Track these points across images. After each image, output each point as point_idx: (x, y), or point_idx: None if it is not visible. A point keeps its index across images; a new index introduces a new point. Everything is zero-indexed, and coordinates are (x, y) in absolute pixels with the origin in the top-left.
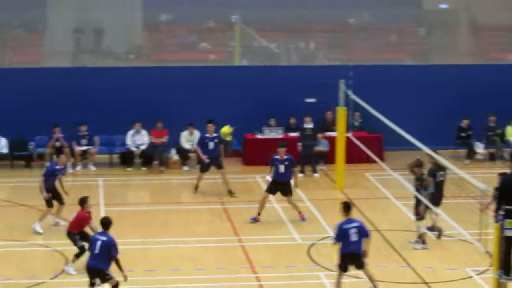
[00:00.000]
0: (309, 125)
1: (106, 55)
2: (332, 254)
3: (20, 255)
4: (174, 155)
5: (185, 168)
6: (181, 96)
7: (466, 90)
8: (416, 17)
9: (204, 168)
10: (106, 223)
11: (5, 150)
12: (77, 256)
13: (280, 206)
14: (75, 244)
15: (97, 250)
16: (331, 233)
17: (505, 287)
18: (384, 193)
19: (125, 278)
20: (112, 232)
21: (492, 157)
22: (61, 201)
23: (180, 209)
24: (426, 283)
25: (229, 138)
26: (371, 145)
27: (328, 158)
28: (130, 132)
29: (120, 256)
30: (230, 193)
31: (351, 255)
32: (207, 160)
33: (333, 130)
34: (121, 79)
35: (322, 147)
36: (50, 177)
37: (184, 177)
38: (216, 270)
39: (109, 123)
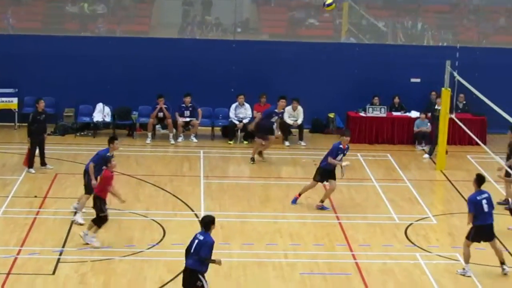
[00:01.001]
0: (439, 106)
1: (213, 27)
2: (429, 235)
3: (119, 223)
4: (276, 130)
5: (286, 143)
6: (285, 71)
7: None
8: None
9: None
10: (207, 222)
11: (108, 119)
12: (97, 224)
13: (379, 185)
14: (101, 211)
15: (192, 250)
16: (430, 214)
17: None
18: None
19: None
20: (211, 203)
21: None
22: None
23: (280, 184)
24: None
25: None
26: (474, 127)
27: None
28: (233, 105)
29: (217, 229)
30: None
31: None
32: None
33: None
34: (227, 52)
35: (425, 127)
36: (100, 165)
37: (285, 152)
38: (313, 247)
39: (213, 96)
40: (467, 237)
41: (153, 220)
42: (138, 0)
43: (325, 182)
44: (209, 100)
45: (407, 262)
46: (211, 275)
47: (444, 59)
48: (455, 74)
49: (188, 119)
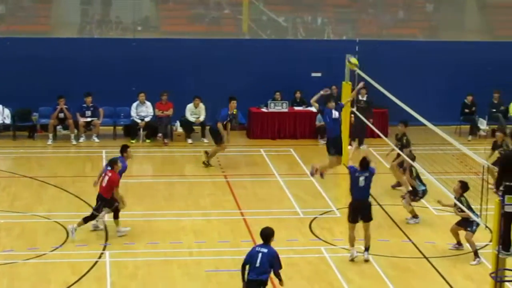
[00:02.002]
0: (363, 97)
1: (113, 26)
2: (333, 228)
3: (21, 226)
4: (178, 128)
5: (189, 141)
6: (187, 68)
7: (471, 67)
8: None
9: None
10: (267, 234)
11: (8, 121)
12: (86, 220)
13: (283, 179)
14: (97, 209)
15: (257, 264)
16: (334, 207)
17: (504, 263)
18: (386, 168)
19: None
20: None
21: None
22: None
23: (184, 182)
24: (426, 257)
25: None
26: (377, 120)
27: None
28: (135, 104)
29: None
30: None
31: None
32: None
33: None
34: (128, 51)
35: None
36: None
37: (188, 150)
38: (218, 243)
39: (114, 95)
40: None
41: (56, 222)
42: (37, 0)
43: None
44: (111, 99)
45: (312, 255)
46: (116, 276)
47: (344, 53)
48: (356, 68)
49: (89, 119)
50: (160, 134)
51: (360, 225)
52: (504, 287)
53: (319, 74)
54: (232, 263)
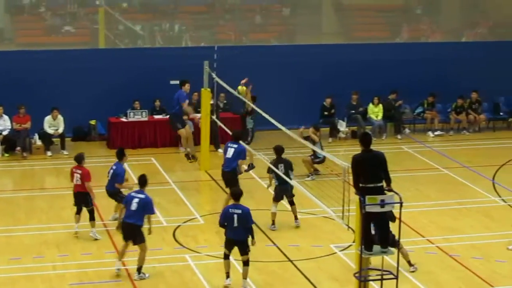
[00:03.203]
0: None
1: None
2: (197, 235)
3: None
4: (37, 140)
5: (49, 153)
6: (44, 80)
7: (329, 69)
8: None
9: None
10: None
11: None
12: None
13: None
14: (88, 204)
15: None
16: (197, 214)
17: (368, 262)
18: (248, 174)
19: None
20: None
21: (354, 135)
22: None
23: (44, 195)
24: (291, 260)
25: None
26: (237, 125)
27: (194, 139)
28: None
29: None
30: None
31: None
32: None
33: (199, 112)
34: None
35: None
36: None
37: (47, 162)
38: (81, 256)
39: None
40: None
41: None
42: None
43: None
44: None
45: (177, 264)
46: None
47: (203, 59)
48: (213, 74)
49: None
50: (18, 148)
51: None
52: (369, 286)
53: (177, 82)
54: (95, 275)
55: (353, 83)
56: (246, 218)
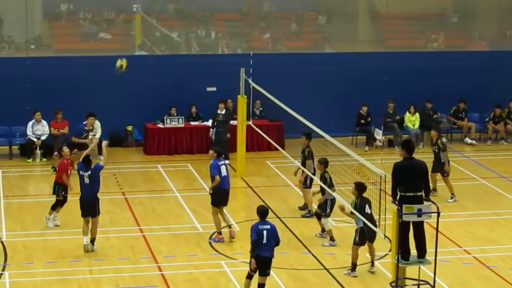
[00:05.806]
0: (222, 111)
1: (5, 45)
2: (233, 242)
3: None
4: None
5: None
6: (81, 86)
7: (365, 77)
8: (316, 5)
9: None
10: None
11: None
12: (54, 207)
13: (181, 195)
14: (57, 195)
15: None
16: (232, 221)
17: (404, 272)
18: (284, 181)
19: None
20: (12, 223)
21: (390, 144)
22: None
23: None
24: (326, 269)
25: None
26: (272, 133)
27: (230, 146)
28: (30, 123)
29: (20, 248)
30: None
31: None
32: None
33: (235, 119)
34: (21, 69)
35: None
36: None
37: None
38: (118, 261)
39: (9, 114)
40: None
41: None
42: None
43: None
44: (5, 119)
45: (212, 270)
46: None
47: (239, 66)
48: (250, 81)
49: None
50: (56, 153)
51: None
52: None
53: (214, 89)
54: (131, 280)
55: (389, 91)
56: (275, 233)
